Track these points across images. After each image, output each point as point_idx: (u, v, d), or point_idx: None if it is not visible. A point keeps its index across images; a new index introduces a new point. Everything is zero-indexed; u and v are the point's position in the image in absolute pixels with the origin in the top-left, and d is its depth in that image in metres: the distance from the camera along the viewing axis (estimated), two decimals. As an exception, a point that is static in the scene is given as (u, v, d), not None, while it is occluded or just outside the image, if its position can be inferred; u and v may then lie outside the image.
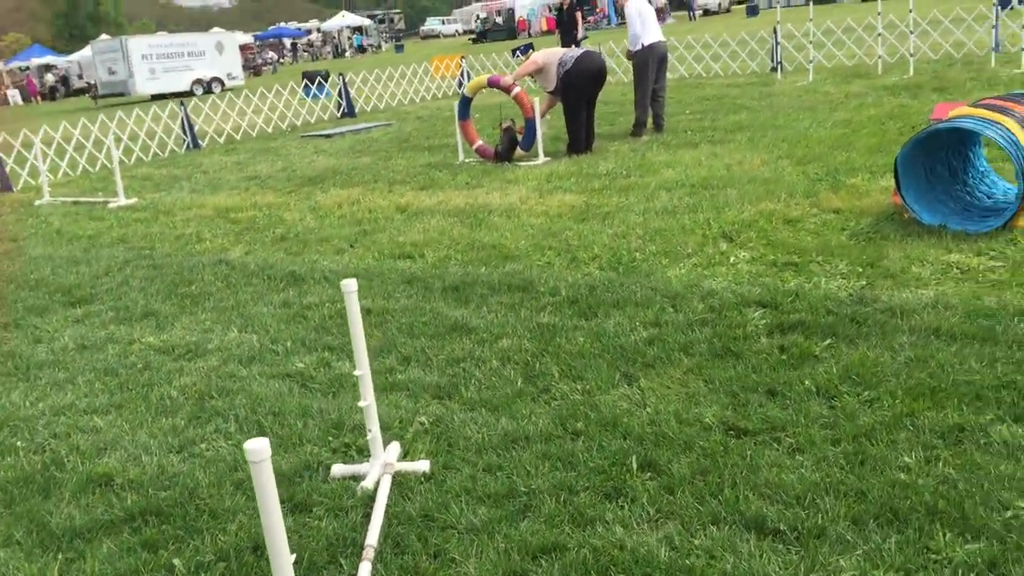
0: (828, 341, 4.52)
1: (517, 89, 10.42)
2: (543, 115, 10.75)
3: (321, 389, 4.62)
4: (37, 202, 11.56)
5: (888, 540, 2.91)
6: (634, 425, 3.84)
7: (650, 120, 11.50)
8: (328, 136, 14.83)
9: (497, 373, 4.56)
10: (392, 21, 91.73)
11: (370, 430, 3.69)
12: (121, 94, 41.07)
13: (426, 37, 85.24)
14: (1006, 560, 2.75)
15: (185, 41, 43.09)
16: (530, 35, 63.81)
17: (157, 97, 37.88)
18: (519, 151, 10.61)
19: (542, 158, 10.40)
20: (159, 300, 6.40)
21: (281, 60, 68.14)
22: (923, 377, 3.98)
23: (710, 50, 18.71)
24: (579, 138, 10.44)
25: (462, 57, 21.29)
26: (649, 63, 11.14)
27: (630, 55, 11.32)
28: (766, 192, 7.59)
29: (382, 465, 3.66)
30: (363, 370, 3.66)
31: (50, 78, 57.46)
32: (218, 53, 43.74)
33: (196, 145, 15.40)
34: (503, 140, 10.62)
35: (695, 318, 4.99)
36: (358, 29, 75.53)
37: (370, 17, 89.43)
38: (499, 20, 67.39)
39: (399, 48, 67.30)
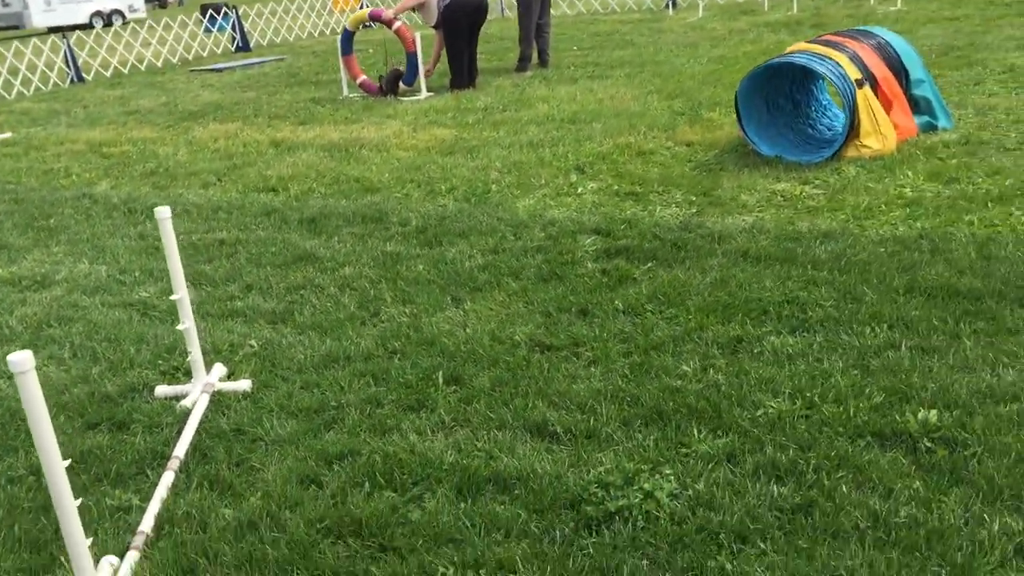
0: (648, 265, 4.80)
1: (398, 23, 10.44)
2: (428, 69, 10.79)
3: (160, 317, 4.74)
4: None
5: (648, 438, 3.20)
6: (449, 344, 4.06)
7: (537, 55, 11.63)
8: (218, 71, 14.60)
9: (334, 299, 4.73)
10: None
11: (190, 352, 3.85)
12: (16, 27, 39.46)
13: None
14: (743, 451, 3.06)
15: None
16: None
17: (54, 30, 36.58)
18: (402, 86, 10.65)
19: (424, 93, 10.48)
20: (14, 234, 6.40)
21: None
22: (721, 295, 4.29)
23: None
24: (461, 73, 10.53)
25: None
26: (532, 3, 11.23)
27: (513, -10, 11.41)
28: (628, 126, 7.84)
29: (203, 385, 3.83)
30: (181, 294, 3.81)
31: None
32: (118, -17, 42.18)
33: (80, 79, 15.02)
34: (387, 75, 10.65)
35: (531, 245, 5.22)
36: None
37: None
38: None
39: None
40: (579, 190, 6.24)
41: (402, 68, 10.59)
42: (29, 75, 14.80)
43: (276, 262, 5.38)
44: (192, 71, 15.15)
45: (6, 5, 39.76)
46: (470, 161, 7.26)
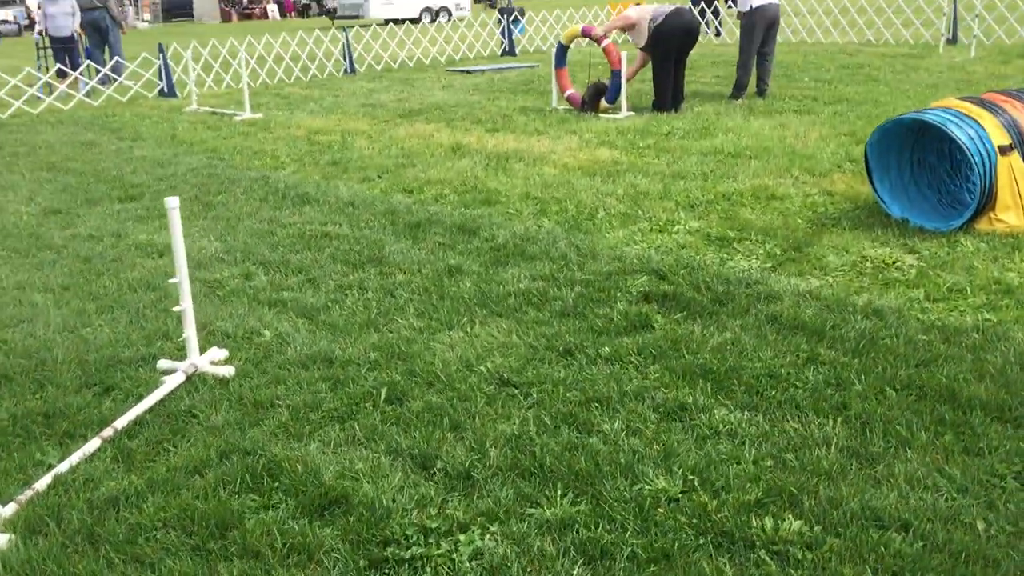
0: (679, 315, 4.62)
1: (607, 41, 10.50)
2: (629, 78, 10.79)
3: (223, 295, 5.21)
4: (185, 109, 12.83)
5: (509, 491, 3.15)
6: (422, 364, 4.16)
7: (756, 83, 11.23)
8: (468, 72, 15.36)
9: (365, 303, 4.97)
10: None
11: (185, 333, 4.24)
12: (357, 16, 43.31)
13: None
14: (580, 524, 2.95)
15: (420, -30, 44.70)
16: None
17: (390, 21, 39.79)
18: (604, 103, 10.70)
19: (624, 112, 10.46)
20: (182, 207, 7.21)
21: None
22: (711, 359, 4.06)
23: (883, 15, 17.60)
24: (665, 95, 10.40)
25: (636, 2, 21.09)
26: (756, 27, 10.85)
27: (739, 16, 11.07)
28: (785, 166, 7.45)
29: (187, 365, 4.21)
30: (179, 278, 4.20)
31: (305, -6, 61.25)
32: (449, -17, 45.07)
33: (352, 70, 16.37)
34: (588, 91, 10.75)
35: (582, 278, 5.17)
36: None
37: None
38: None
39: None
40: (676, 228, 6.05)
41: (605, 82, 10.65)
42: (308, 63, 16.35)
43: (352, 260, 5.70)
44: (449, 70, 16.04)
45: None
46: (605, 186, 7.23)
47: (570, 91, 11.03)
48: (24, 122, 12.28)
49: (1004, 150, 5.56)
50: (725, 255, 5.51)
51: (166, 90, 13.91)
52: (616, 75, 10.45)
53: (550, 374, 4.01)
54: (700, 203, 6.60)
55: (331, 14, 46.45)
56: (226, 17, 57.18)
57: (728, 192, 6.81)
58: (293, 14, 59.32)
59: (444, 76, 15.42)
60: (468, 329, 4.56)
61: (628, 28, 10.55)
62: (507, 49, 18.52)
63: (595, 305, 4.78)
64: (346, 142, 9.66)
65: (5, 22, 51.25)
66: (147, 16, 56.57)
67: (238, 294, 5.20)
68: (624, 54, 10.42)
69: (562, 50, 11.06)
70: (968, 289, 4.74)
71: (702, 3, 19.93)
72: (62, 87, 13.83)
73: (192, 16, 59.31)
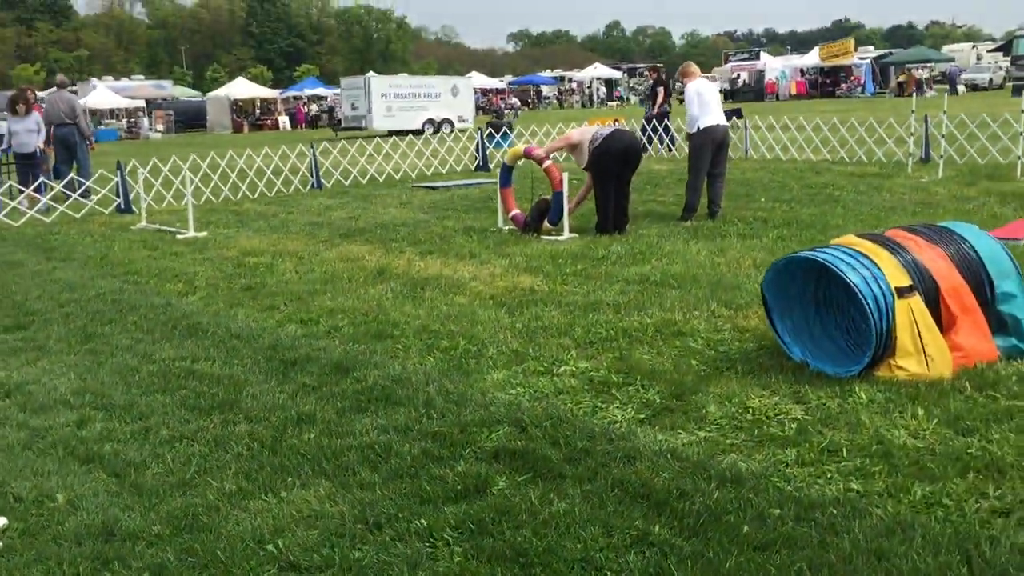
0: (523, 477, 4.15)
1: (548, 162, 10.27)
2: (579, 201, 10.58)
3: (43, 447, 4.79)
4: (134, 226, 12.63)
5: None
6: (205, 536, 3.70)
7: (707, 205, 10.93)
8: (433, 188, 15.19)
9: (180, 458, 4.53)
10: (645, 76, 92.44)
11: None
12: (360, 128, 43.94)
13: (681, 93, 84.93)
14: None
15: (423, 83, 45.64)
16: (778, 98, 62.24)
17: (393, 133, 40.32)
18: (547, 224, 10.41)
19: (567, 234, 10.16)
20: (69, 335, 6.89)
21: (527, 107, 70.18)
22: (520, 535, 3.57)
23: (855, 133, 17.42)
24: (607, 217, 10.10)
25: (615, 120, 21.13)
26: (705, 147, 10.61)
27: (687, 136, 10.85)
28: (704, 298, 7.04)
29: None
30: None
31: (314, 108, 62.49)
32: (452, 96, 45.84)
33: (319, 186, 16.25)
34: (532, 211, 10.48)
35: (435, 429, 4.72)
36: (608, 81, 76.68)
37: (630, 71, 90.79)
38: (748, 81, 66.18)
39: (643, 103, 67.50)
40: (562, 370, 5.61)
41: (549, 199, 10.39)
42: (273, 179, 16.25)
43: (201, 405, 5.28)
44: (415, 186, 15.89)
45: (354, 108, 44.58)
46: (508, 318, 6.82)
47: (514, 211, 10.76)
48: (-32, 239, 12.11)
49: (902, 292, 5.14)
50: (600, 403, 5.05)
51: (123, 206, 13.77)
52: (558, 196, 10.18)
53: (345, 555, 3.53)
54: (599, 340, 6.17)
55: (336, 126, 47.21)
56: (237, 128, 58.26)
57: (632, 327, 6.38)
58: (303, 125, 60.44)
59: (407, 192, 15.25)
60: (283, 494, 4.10)
61: (571, 149, 10.34)
62: (480, 164, 18.45)
63: (435, 464, 4.32)
64: (273, 265, 9.34)
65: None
66: (160, 127, 57.69)
67: (57, 446, 4.76)
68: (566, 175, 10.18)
69: (507, 170, 10.84)
70: (845, 450, 4.25)
71: (653, 120, 20.29)
72: (18, 201, 13.76)
73: (205, 127, 60.49)
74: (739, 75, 67.85)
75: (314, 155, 16.58)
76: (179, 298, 8.05)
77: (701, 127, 10.59)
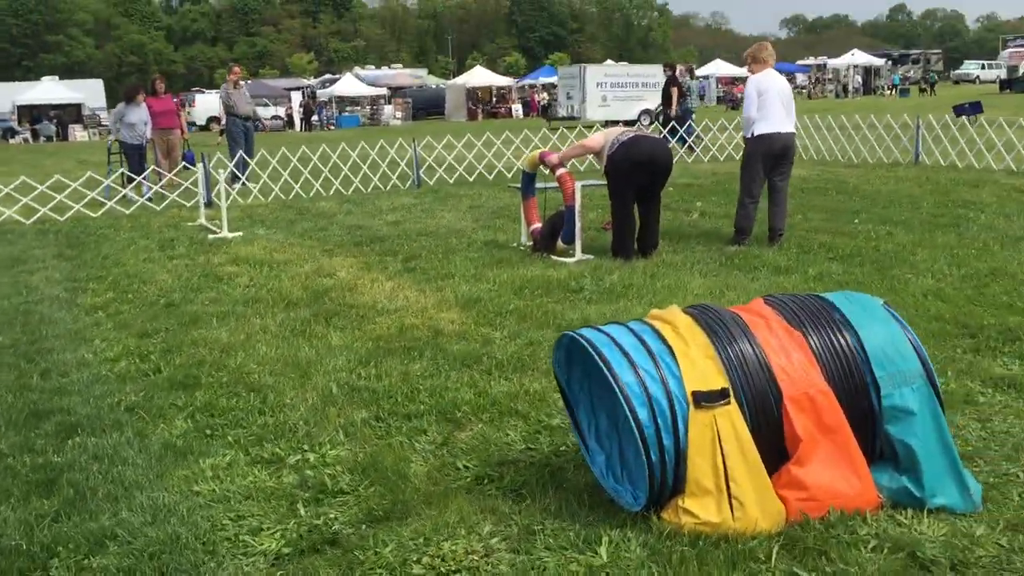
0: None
1: (562, 170, 8.69)
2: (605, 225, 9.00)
3: None
4: (191, 223, 12.25)
5: None
6: None
7: (768, 230, 8.91)
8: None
9: None
10: (928, 61, 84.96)
11: None
12: (574, 118, 42.86)
13: (958, 81, 77.26)
14: None
15: (641, 72, 43.68)
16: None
17: (609, 123, 38.99)
18: (561, 244, 8.85)
19: (579, 255, 8.56)
20: None
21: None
22: None
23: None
24: (624, 239, 8.38)
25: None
26: (756, 158, 8.61)
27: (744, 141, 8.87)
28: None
29: None
30: None
31: (545, 97, 62.10)
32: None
33: (419, 184, 15.30)
34: (544, 228, 8.96)
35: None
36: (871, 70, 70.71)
37: (902, 57, 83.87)
38: (1033, 67, 58.91)
39: (903, 92, 61.68)
40: (294, 460, 4.25)
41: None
42: (389, 172, 15.48)
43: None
44: (510, 186, 14.56)
45: (569, 98, 43.55)
46: (347, 371, 5.49)
47: (535, 225, 9.26)
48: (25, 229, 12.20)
49: (706, 399, 3.38)
50: (263, 524, 3.67)
51: (206, 200, 13.51)
52: (570, 211, 8.61)
53: None
54: (416, 415, 4.74)
55: (549, 116, 46.26)
56: (472, 116, 58.99)
57: (462, 401, 4.87)
58: (536, 113, 60.22)
59: (494, 192, 13.96)
60: None
61: (595, 157, 8.71)
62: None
63: None
64: (230, 278, 8.40)
65: (277, 118, 55.59)
66: (399, 114, 59.45)
67: None
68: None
69: (528, 179, 9.36)
70: None
71: (666, 116, 19.13)
72: (128, 190, 13.97)
73: (443, 114, 61.74)
74: (1020, 64, 60.36)
75: (415, 150, 15.65)
76: (89, 314, 7.32)
77: (756, 133, 8.58)
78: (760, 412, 3.49)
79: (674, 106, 19.64)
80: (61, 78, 59.32)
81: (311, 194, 14.55)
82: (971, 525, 3.38)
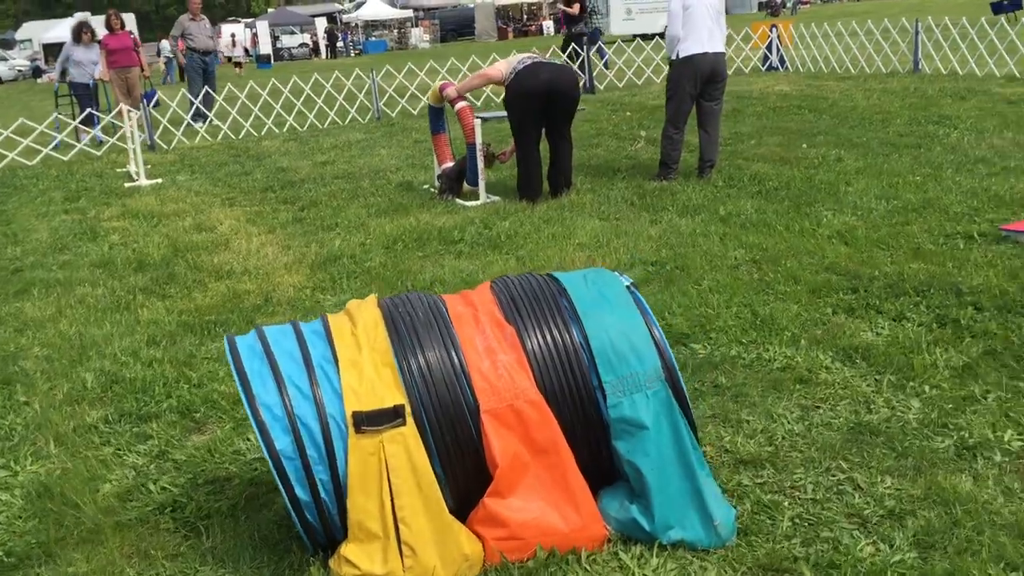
0: None
1: (461, 104, 7.83)
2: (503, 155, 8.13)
3: None
4: (120, 168, 11.55)
5: None
6: None
7: (698, 160, 7.99)
8: (484, 120, 12.84)
9: None
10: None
11: None
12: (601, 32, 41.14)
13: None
14: None
15: (666, -17, 41.75)
16: None
17: (637, 37, 37.30)
18: (467, 186, 8.04)
19: (482, 198, 7.75)
20: None
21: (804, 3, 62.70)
22: None
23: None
24: (529, 177, 7.53)
25: (772, 26, 17.34)
26: (683, 82, 7.62)
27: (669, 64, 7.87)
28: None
29: None
30: None
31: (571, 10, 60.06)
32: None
33: (379, 117, 14.42)
34: (452, 169, 8.14)
35: None
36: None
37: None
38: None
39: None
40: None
41: (490, 147, 8.04)
42: (347, 106, 14.64)
43: None
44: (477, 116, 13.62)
45: (594, 12, 41.82)
46: (132, 355, 4.83)
47: (447, 164, 8.41)
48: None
49: (369, 421, 2.65)
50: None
51: (150, 143, 12.82)
52: (472, 149, 7.77)
53: None
54: (157, 415, 4.07)
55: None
56: (502, 35, 57.34)
57: (227, 394, 4.19)
58: (565, 30, 58.29)
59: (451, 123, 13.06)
60: None
61: (494, 83, 7.84)
62: (587, 85, 15.69)
63: None
64: (105, 235, 7.71)
65: (304, 45, 54.57)
66: (427, 36, 57.98)
67: None
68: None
69: (435, 113, 8.47)
70: None
71: (572, 44, 16.94)
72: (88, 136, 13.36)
73: (473, 35, 60.08)
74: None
75: (375, 81, 14.71)
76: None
77: (681, 55, 7.58)
78: (450, 432, 2.75)
79: (576, 22, 17.87)
80: (94, 13, 58.66)
81: (263, 131, 13.80)
82: (705, 568, 2.63)
